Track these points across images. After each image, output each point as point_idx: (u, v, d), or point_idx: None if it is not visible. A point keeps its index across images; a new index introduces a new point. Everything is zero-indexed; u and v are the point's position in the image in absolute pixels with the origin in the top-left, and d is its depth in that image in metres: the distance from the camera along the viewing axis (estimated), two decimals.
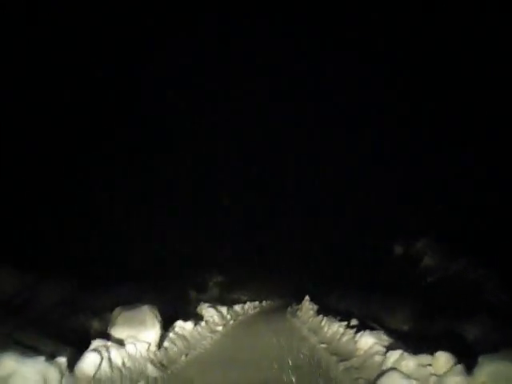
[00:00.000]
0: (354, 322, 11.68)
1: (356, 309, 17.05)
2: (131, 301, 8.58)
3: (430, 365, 5.56)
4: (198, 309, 16.01)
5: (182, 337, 9.63)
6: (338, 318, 12.97)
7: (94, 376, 5.09)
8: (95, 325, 10.49)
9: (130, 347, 6.40)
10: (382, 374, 5.70)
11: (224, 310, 17.27)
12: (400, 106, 26.25)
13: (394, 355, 6.27)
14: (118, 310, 7.24)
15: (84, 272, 14.37)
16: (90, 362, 5.16)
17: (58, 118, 20.65)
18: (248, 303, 28.66)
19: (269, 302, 40.60)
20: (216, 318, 14.65)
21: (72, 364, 4.99)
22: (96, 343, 5.86)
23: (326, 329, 11.87)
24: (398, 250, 15.36)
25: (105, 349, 5.64)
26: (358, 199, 29.77)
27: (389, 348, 7.10)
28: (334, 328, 11.10)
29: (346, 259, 25.88)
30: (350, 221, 30.15)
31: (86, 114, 23.06)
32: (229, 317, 17.43)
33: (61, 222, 19.40)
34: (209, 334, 11.69)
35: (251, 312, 26.32)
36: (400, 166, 24.77)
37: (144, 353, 6.78)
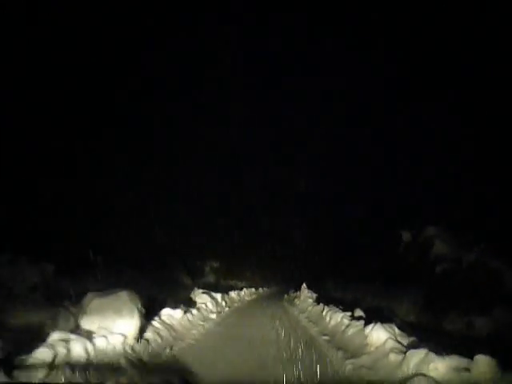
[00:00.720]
0: (358, 312, 10.61)
1: (358, 299, 15.97)
2: (116, 286, 7.45)
3: (466, 369, 4.43)
4: (192, 295, 14.94)
5: (170, 326, 8.51)
6: (341, 307, 11.91)
7: (43, 377, 3.96)
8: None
9: (99, 341, 5.26)
10: (408, 379, 4.57)
11: (219, 296, 16.19)
12: (413, 90, 24.82)
13: (417, 355, 5.14)
14: (89, 296, 6.06)
15: (65, 257, 13.17)
16: (37, 360, 4.03)
17: (53, 116, 19.56)
18: (244, 290, 27.67)
19: (265, 288, 39.73)
20: (210, 304, 13.56)
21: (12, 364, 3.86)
22: (54, 336, 4.73)
23: (327, 319, 10.77)
24: (407, 236, 14.22)
25: (63, 343, 4.50)
26: (364, 184, 28.29)
27: (408, 346, 5.98)
28: (337, 318, 9.99)
29: (348, 247, 24.76)
30: (354, 207, 28.81)
31: (80, 113, 21.89)
32: (224, 304, 16.36)
33: (56, 209, 18.23)
34: (201, 323, 10.59)
35: (247, 299, 25.31)
36: (410, 150, 23.33)
37: (118, 347, 5.64)
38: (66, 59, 21.25)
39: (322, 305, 13.22)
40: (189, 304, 13.45)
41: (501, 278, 11.30)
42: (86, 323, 5.77)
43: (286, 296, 28.72)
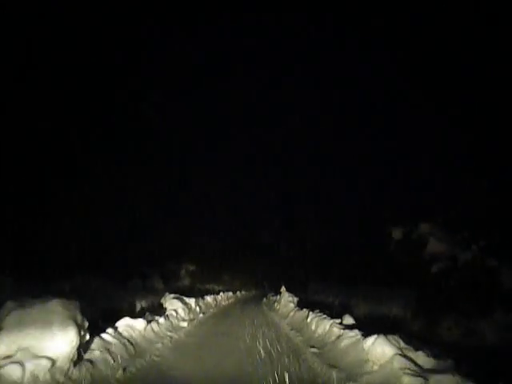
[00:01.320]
0: (348, 319, 9.34)
1: (345, 303, 14.73)
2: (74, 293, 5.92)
3: None
4: (162, 301, 13.36)
5: (127, 340, 6.98)
6: (327, 312, 10.60)
7: None
8: None
9: (11, 369, 3.73)
10: None
11: (192, 301, 14.63)
12: (411, 89, 23.72)
13: (445, 381, 3.82)
14: (8, 306, 4.51)
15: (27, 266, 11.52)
16: None
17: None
18: (221, 294, 26.15)
19: (244, 292, 38.33)
20: (181, 311, 12.01)
21: None
22: None
23: (313, 327, 9.42)
24: (397, 234, 13.05)
25: None
26: (351, 181, 26.65)
27: (424, 365, 4.66)
28: (325, 326, 8.66)
29: (333, 246, 23.50)
30: (340, 204, 27.35)
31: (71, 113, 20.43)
32: (198, 309, 14.83)
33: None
34: (168, 334, 9.06)
35: (224, 303, 23.77)
36: (404, 145, 21.93)
37: (44, 375, 4.11)
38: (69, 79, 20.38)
39: (305, 310, 11.87)
40: (157, 311, 11.89)
41: (498, 277, 10.22)
42: (1, 344, 4.21)
43: (265, 300, 27.34)
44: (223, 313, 17.18)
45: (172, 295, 13.55)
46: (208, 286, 30.47)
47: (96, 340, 5.88)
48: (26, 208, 17.83)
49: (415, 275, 10.92)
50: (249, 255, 40.43)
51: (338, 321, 8.77)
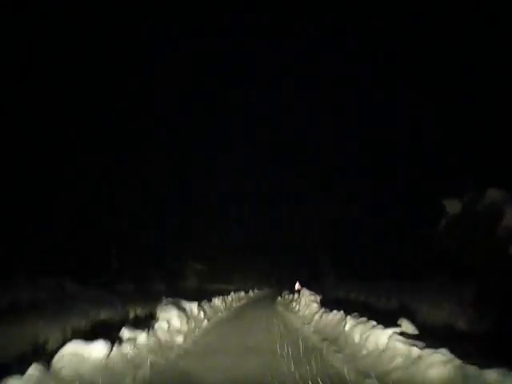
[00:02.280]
0: (407, 325, 6.37)
1: (377, 301, 11.80)
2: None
3: None
4: (157, 308, 10.53)
5: (79, 377, 4.16)
6: (366, 315, 7.70)
7: None
8: None
9: None
10: None
11: (194, 306, 11.80)
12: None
13: None
14: None
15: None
16: None
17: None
18: (232, 294, 23.34)
19: (257, 291, 35.50)
20: (176, 321, 9.17)
21: None
22: None
23: (355, 338, 6.52)
24: (454, 207, 9.89)
25: None
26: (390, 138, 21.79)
27: None
28: (378, 338, 5.76)
29: (360, 230, 20.25)
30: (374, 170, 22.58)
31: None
32: (202, 315, 11.99)
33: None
34: (150, 359, 6.19)
35: (235, 305, 20.93)
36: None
37: None
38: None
39: (336, 312, 8.96)
40: (147, 322, 9.07)
41: None
42: None
43: (279, 299, 24.48)
44: (234, 317, 14.34)
45: (167, 300, 10.73)
46: (217, 286, 27.63)
47: None
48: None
49: (483, 262, 7.94)
50: (260, 252, 37.64)
51: (398, 329, 5.84)
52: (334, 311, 9.16)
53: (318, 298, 13.64)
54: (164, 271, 23.26)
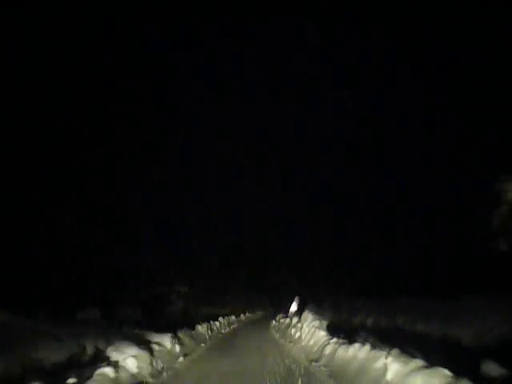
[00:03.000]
0: (492, 368, 3.72)
1: (409, 326, 9.08)
2: None
3: None
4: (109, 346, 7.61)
5: None
6: (408, 350, 5.03)
7: None
8: None
9: None
10: None
11: (166, 339, 8.93)
12: None
13: None
14: None
15: None
16: None
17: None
18: (221, 319, 20.30)
19: (248, 314, 32.32)
20: (132, 364, 6.32)
21: None
22: None
23: None
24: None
25: None
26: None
27: None
28: None
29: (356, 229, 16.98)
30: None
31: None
32: (177, 350, 9.10)
33: None
34: None
35: (224, 332, 17.94)
36: None
37: None
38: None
39: (362, 346, 6.19)
40: (87, 366, 6.19)
41: None
42: None
43: (274, 323, 21.49)
44: (219, 349, 11.38)
45: (121, 335, 7.90)
46: (206, 310, 24.50)
47: None
48: None
49: None
50: (251, 272, 34.62)
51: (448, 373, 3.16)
52: (356, 344, 6.39)
53: (325, 323, 10.82)
54: (144, 295, 20.17)
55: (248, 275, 32.63)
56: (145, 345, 7.54)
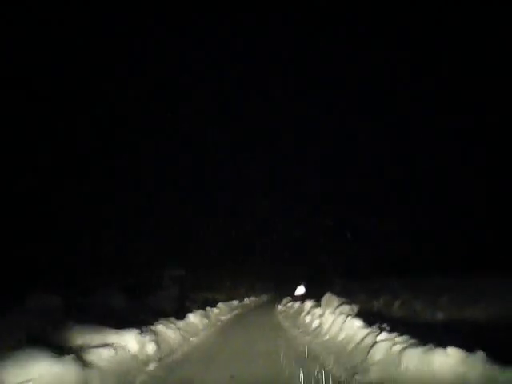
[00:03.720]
0: None
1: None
2: None
3: None
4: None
5: None
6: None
7: None
8: None
9: None
10: None
11: (130, 338, 6.03)
12: None
13: None
14: None
15: None
16: None
17: None
18: (221, 305, 17.47)
19: (253, 298, 29.63)
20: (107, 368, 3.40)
21: None
22: None
23: None
24: None
25: None
26: None
27: None
28: None
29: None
30: None
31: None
32: (148, 352, 6.22)
33: None
34: None
35: (223, 318, 15.08)
36: None
37: None
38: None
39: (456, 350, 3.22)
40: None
41: None
42: None
43: (280, 307, 18.74)
44: (211, 348, 8.39)
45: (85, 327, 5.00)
46: (203, 296, 21.69)
47: None
48: None
49: None
50: (254, 254, 31.91)
51: None
52: (450, 349, 3.39)
53: (356, 308, 7.84)
54: (132, 280, 17.37)
55: (251, 258, 29.84)
56: (83, 352, 4.60)
